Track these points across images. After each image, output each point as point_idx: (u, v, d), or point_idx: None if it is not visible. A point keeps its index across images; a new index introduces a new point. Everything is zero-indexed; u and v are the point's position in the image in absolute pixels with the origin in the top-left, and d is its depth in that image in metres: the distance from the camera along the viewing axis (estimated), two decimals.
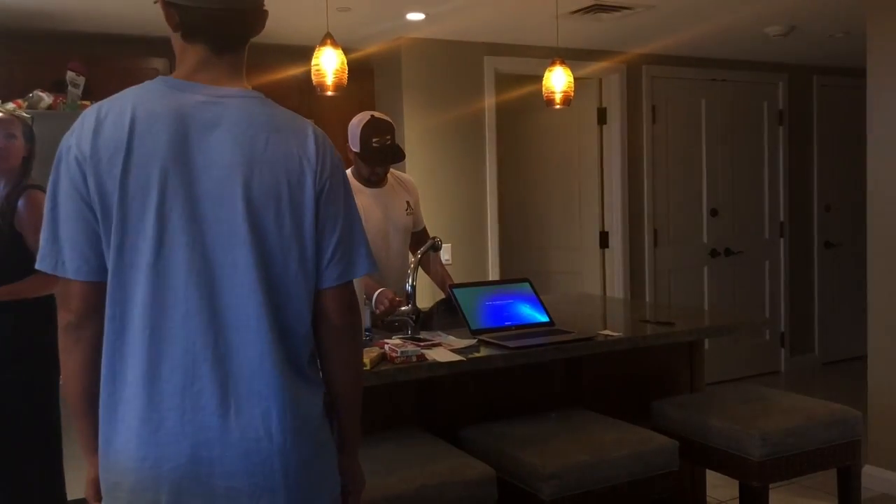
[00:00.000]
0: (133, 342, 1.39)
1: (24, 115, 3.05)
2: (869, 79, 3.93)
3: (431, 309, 3.13)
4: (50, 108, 3.92)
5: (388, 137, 3.11)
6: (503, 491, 2.22)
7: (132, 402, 1.38)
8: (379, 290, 3.01)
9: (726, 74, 5.96)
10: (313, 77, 2.92)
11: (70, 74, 4.01)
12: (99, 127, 1.39)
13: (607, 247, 5.65)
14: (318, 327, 1.51)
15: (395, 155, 3.14)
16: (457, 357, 2.43)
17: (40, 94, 3.91)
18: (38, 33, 4.37)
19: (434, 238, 3.14)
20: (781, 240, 6.32)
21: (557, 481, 2.17)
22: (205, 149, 1.40)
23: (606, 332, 2.77)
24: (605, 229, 5.65)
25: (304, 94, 4.72)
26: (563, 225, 5.78)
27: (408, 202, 3.38)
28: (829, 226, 6.54)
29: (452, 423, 2.58)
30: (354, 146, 3.14)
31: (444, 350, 2.51)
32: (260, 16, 1.51)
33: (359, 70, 4.97)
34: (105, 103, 1.43)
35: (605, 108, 5.61)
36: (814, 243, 6.50)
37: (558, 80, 3.39)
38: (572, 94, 3.42)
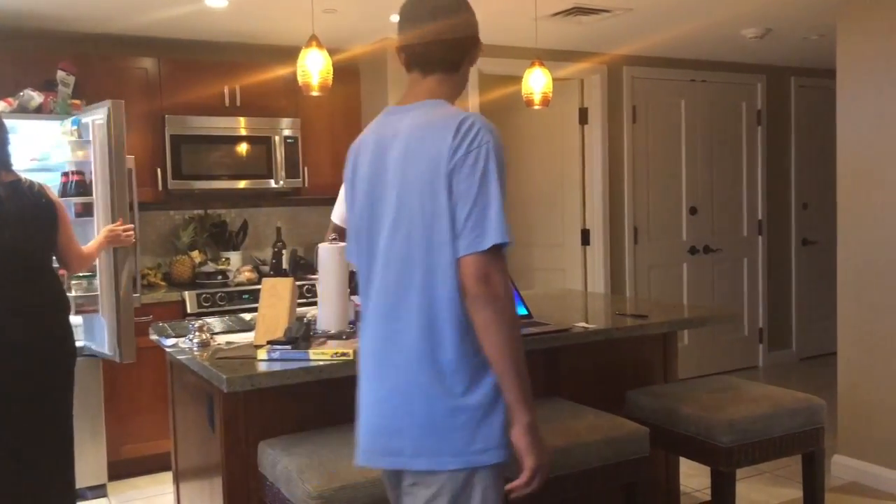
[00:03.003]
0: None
1: None
2: (839, 81, 4.05)
3: None
4: (40, 106, 3.98)
5: None
6: None
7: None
8: None
9: (706, 75, 6.08)
10: (299, 78, 3.01)
11: (60, 73, 4.07)
12: (351, 151, 1.88)
13: (588, 244, 5.76)
14: (462, 296, 1.65)
15: None
16: None
17: (31, 92, 3.97)
18: (28, 33, 4.44)
19: None
20: (760, 237, 6.45)
21: None
22: (390, 154, 1.76)
23: (582, 324, 2.87)
24: (587, 227, 5.76)
25: (290, 94, 4.81)
26: (546, 222, 5.89)
27: None
28: (806, 223, 6.68)
29: None
30: None
31: None
32: (459, 43, 1.81)
33: (345, 71, 5.05)
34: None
35: (586, 109, 5.72)
36: (791, 241, 6.63)
37: (537, 82, 3.49)
38: (551, 94, 3.52)
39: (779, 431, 2.69)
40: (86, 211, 3.75)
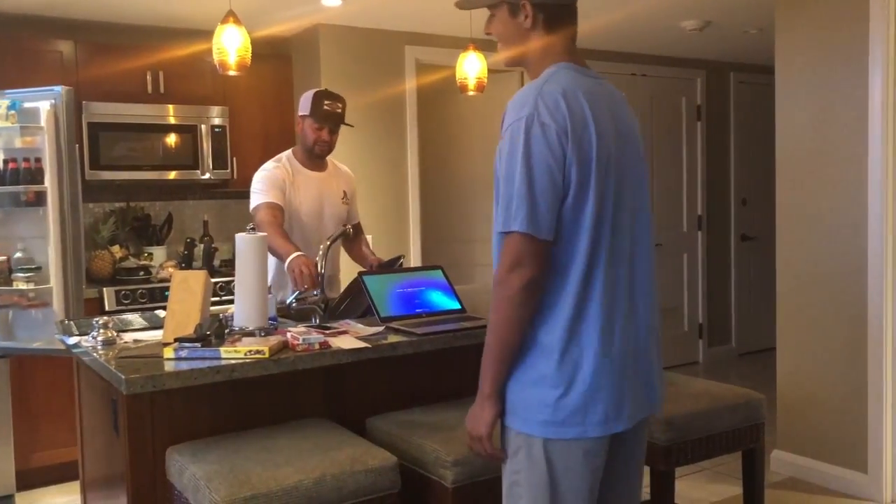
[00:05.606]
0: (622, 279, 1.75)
1: None
2: (777, 76, 4.02)
3: (343, 295, 3.08)
4: None
5: (340, 106, 3.21)
6: (407, 479, 2.17)
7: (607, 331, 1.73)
8: (294, 256, 2.87)
9: (646, 69, 6.04)
10: (215, 56, 2.82)
11: None
12: (568, 104, 1.62)
13: None
14: None
15: (343, 121, 3.24)
16: (362, 344, 2.37)
17: None
18: None
19: (346, 227, 3.10)
20: (699, 233, 6.45)
21: (461, 468, 2.13)
22: (622, 119, 1.74)
23: None
24: None
25: (218, 81, 4.59)
26: (487, 217, 5.76)
27: (345, 192, 3.41)
28: (745, 219, 6.70)
29: (361, 412, 2.52)
30: (304, 110, 3.20)
31: (349, 337, 2.45)
32: None
33: (276, 55, 4.86)
34: (547, 86, 1.65)
35: None
36: (731, 236, 6.65)
37: (472, 67, 3.36)
38: (486, 80, 3.39)
39: (718, 428, 2.60)
40: (38, 200, 3.66)
